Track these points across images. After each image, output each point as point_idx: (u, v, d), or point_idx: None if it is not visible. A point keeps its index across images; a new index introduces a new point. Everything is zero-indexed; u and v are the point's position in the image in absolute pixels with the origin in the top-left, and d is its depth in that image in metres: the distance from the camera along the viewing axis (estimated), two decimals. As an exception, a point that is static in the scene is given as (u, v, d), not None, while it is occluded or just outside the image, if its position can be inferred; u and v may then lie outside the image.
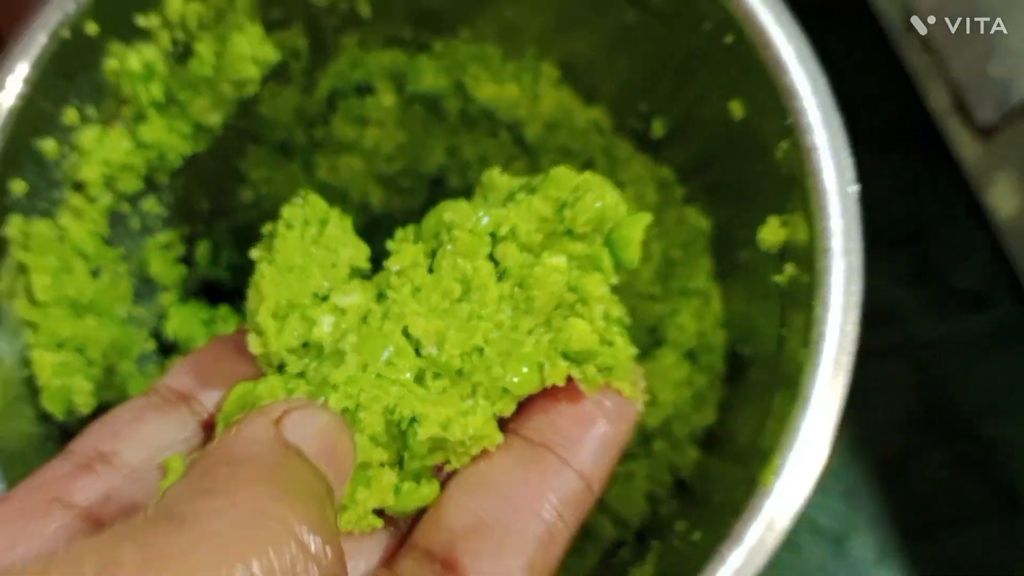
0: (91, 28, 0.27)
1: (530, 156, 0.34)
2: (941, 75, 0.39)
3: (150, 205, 0.32)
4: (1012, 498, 0.39)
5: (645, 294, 0.32)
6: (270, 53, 0.29)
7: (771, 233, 0.26)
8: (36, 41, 0.27)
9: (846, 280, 0.24)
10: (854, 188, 0.24)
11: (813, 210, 0.24)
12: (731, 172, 0.30)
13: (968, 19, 0.37)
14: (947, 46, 0.38)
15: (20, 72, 0.27)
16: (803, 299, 0.24)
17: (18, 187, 0.27)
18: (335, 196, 0.34)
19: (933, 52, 0.39)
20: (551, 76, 0.33)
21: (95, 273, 0.30)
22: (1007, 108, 0.36)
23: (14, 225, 0.27)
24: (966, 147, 0.39)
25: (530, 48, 0.33)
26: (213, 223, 0.35)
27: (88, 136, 0.28)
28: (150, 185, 0.31)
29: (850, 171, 0.25)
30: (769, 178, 0.26)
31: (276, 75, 0.32)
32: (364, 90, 0.34)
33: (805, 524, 0.38)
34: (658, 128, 0.32)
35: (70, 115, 0.28)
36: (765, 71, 0.25)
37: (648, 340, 0.32)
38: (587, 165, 0.33)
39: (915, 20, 0.38)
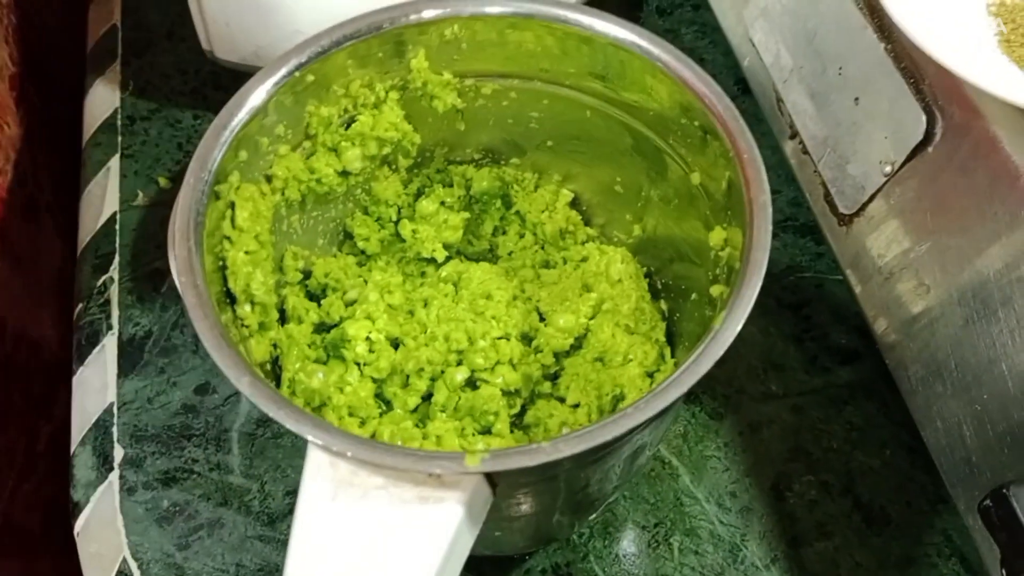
0: (309, 77, 0.39)
1: (542, 245, 0.48)
2: (814, 173, 0.46)
3: (294, 220, 0.42)
4: (868, 513, 0.45)
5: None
6: (405, 127, 0.43)
7: (716, 235, 0.39)
8: (280, 71, 0.38)
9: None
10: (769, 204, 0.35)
11: (747, 222, 0.35)
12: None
13: (833, 137, 0.44)
14: (817, 152, 0.46)
15: (266, 86, 0.38)
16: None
17: (242, 155, 0.38)
18: (411, 252, 0.46)
19: (808, 155, 0.46)
20: (565, 198, 0.47)
21: (270, 232, 0.40)
22: (861, 200, 0.43)
23: (235, 176, 0.38)
24: (833, 232, 0.45)
25: (555, 178, 0.48)
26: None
27: (283, 148, 0.40)
28: (302, 203, 0.42)
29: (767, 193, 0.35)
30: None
31: (389, 163, 0.45)
32: (447, 184, 0.47)
33: (707, 534, 0.45)
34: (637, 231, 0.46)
35: (279, 128, 0.39)
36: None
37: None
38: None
39: (799, 129, 0.46)
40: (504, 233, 0.48)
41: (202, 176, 0.36)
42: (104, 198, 0.56)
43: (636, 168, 0.44)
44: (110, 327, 0.51)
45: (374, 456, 0.30)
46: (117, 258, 0.54)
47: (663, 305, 0.45)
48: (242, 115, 0.37)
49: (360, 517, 0.29)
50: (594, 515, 0.45)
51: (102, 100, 0.60)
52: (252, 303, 0.38)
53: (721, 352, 0.32)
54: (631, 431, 0.32)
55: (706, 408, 0.48)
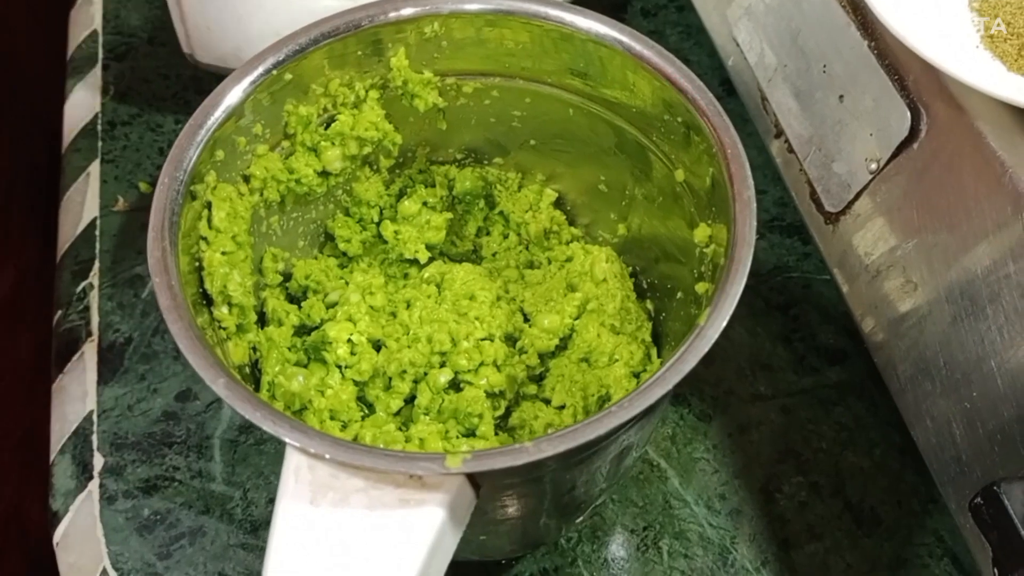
0: (287, 76, 0.39)
1: (526, 245, 0.47)
2: (800, 172, 0.46)
3: (274, 221, 0.42)
4: (859, 514, 0.45)
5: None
6: (386, 126, 0.42)
7: (701, 233, 0.38)
8: (257, 69, 0.38)
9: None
10: (753, 200, 0.35)
11: (731, 218, 0.35)
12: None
13: (818, 136, 0.44)
14: (802, 151, 0.45)
15: (243, 85, 0.38)
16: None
17: (219, 155, 0.38)
18: (394, 253, 0.46)
19: (794, 154, 0.45)
20: (549, 198, 0.47)
21: (248, 232, 0.39)
22: (847, 199, 0.43)
23: (211, 176, 0.37)
24: (820, 231, 0.44)
25: (538, 178, 0.47)
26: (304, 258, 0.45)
27: (261, 148, 0.40)
28: (281, 204, 0.42)
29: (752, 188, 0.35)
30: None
31: (370, 163, 0.45)
32: (429, 185, 0.47)
33: (697, 537, 0.44)
34: (622, 230, 0.45)
35: (257, 128, 0.39)
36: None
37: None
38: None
39: (784, 128, 0.46)
40: (488, 233, 0.48)
41: (177, 176, 0.35)
42: (84, 204, 0.55)
43: (620, 166, 0.44)
44: (89, 334, 0.50)
45: (354, 458, 0.29)
46: (97, 264, 0.53)
47: (649, 305, 0.45)
48: (218, 114, 0.37)
49: (340, 521, 0.29)
50: (581, 518, 0.44)
51: (82, 105, 0.60)
52: (229, 305, 0.37)
53: (706, 349, 0.32)
54: (615, 430, 0.31)
55: (694, 410, 0.48)
